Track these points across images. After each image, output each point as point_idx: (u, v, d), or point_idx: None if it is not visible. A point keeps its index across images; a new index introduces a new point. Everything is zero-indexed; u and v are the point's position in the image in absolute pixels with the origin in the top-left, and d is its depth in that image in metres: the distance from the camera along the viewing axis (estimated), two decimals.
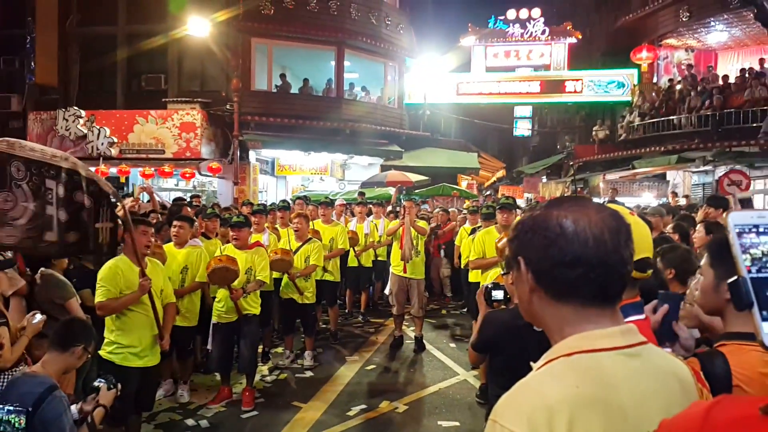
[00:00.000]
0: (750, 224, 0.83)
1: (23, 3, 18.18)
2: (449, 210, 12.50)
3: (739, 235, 0.83)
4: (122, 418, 4.25)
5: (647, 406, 1.03)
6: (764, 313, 0.80)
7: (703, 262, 1.83)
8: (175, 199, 9.50)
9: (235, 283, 5.32)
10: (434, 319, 9.12)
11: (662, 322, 1.86)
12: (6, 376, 3.31)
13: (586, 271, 1.04)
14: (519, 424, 0.96)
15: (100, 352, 4.15)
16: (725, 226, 0.85)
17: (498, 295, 3.11)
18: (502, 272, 3.52)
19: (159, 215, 7.38)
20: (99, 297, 4.11)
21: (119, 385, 3.13)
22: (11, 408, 2.54)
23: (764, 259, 0.82)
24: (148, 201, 8.96)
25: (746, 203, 9.37)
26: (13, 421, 2.52)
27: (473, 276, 6.55)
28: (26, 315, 3.73)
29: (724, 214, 0.86)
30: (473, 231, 7.53)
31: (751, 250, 0.83)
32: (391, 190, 14.87)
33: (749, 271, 0.82)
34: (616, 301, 1.09)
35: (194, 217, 6.52)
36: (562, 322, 1.08)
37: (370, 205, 9.87)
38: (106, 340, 4.21)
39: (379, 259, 9.30)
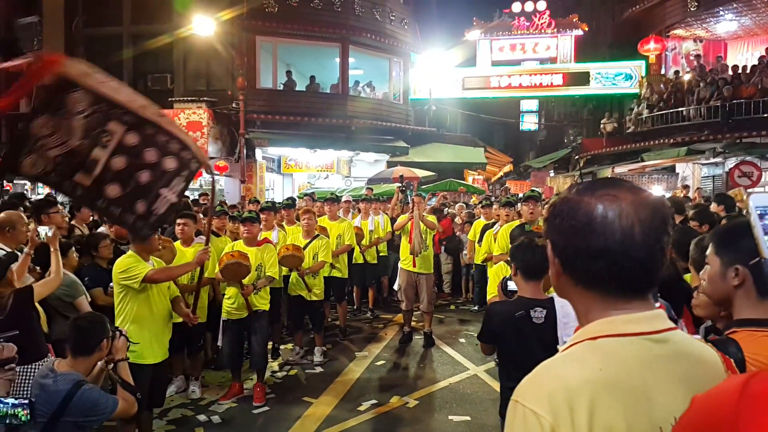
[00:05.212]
0: None
1: (29, 6, 18.25)
2: (449, 205, 12.50)
3: (761, 216, 0.82)
4: (135, 414, 4.27)
5: (673, 392, 1.01)
6: None
7: (708, 251, 1.79)
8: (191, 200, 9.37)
9: (246, 279, 5.35)
10: (443, 315, 9.12)
11: None
12: (35, 368, 3.34)
13: (608, 265, 1.01)
14: (540, 405, 0.96)
15: None
16: (746, 209, 0.83)
17: (513, 285, 3.15)
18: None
19: None
20: (140, 272, 4.02)
21: (124, 332, 3.19)
22: (15, 402, 2.58)
23: None
24: None
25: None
26: (19, 414, 2.57)
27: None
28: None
29: (746, 196, 0.84)
30: (491, 225, 7.46)
31: None
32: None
33: None
34: (646, 292, 1.06)
35: (200, 215, 6.51)
36: (588, 306, 1.07)
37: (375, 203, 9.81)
38: None
39: (381, 255, 9.27)
